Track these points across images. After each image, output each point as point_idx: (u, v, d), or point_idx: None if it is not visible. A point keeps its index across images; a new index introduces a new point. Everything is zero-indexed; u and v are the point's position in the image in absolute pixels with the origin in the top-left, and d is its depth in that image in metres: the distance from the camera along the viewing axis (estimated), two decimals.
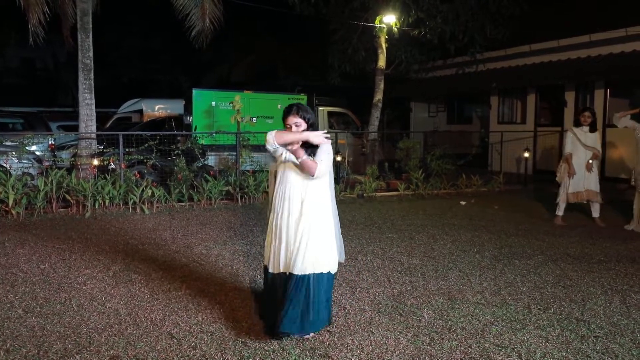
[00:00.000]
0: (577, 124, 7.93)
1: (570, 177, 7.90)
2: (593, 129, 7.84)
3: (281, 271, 3.69)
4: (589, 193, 7.89)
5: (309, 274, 3.61)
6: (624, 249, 6.43)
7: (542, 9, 14.24)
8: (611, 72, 12.12)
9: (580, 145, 7.83)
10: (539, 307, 4.39)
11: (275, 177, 3.83)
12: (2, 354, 3.46)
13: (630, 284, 5.04)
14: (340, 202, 9.91)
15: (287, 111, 3.68)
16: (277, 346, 3.58)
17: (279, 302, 3.64)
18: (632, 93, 12.59)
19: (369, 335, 3.77)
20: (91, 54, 9.88)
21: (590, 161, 7.81)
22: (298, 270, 3.59)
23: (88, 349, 3.54)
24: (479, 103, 18.05)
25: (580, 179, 7.87)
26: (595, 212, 8.01)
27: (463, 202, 9.93)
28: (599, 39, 12.67)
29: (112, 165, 9.70)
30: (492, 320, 4.09)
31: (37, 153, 10.97)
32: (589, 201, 8.01)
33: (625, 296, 4.68)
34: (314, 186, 3.69)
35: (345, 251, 6.10)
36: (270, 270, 3.76)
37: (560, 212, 8.08)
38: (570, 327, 3.96)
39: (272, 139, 3.56)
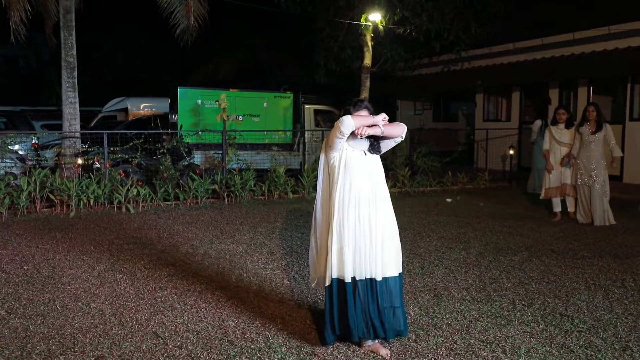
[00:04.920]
0: (554, 121, 8.18)
1: (549, 173, 8.15)
2: (568, 125, 8.02)
3: (367, 277, 3.40)
4: (565, 188, 8.06)
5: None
6: (607, 245, 6.51)
7: (526, 7, 14.34)
8: (594, 69, 12.25)
9: (556, 142, 8.10)
10: (523, 302, 4.43)
11: (334, 173, 3.49)
12: None
13: (613, 279, 5.10)
14: None
15: (358, 105, 3.53)
16: (264, 344, 3.58)
17: (365, 311, 3.40)
18: (614, 90, 12.74)
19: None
20: (74, 52, 9.78)
21: (565, 158, 8.02)
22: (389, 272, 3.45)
23: (72, 349, 3.51)
24: (464, 101, 18.13)
25: (557, 175, 8.12)
26: (570, 207, 8.17)
27: (449, 199, 9.99)
28: (582, 37, 12.80)
29: (97, 164, 9.61)
30: (477, 316, 4.12)
31: (20, 152, 10.84)
32: (565, 195, 8.17)
33: (608, 291, 4.74)
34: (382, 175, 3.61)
35: None
36: (357, 278, 3.39)
37: (556, 208, 8.23)
38: (554, 322, 4.00)
39: (351, 122, 3.31)
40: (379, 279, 3.39)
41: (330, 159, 3.51)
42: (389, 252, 3.44)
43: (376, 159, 3.57)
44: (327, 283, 3.43)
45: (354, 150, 3.48)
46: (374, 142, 3.53)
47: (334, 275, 3.39)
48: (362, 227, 3.39)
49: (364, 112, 3.47)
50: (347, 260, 3.36)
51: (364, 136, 3.38)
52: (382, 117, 3.41)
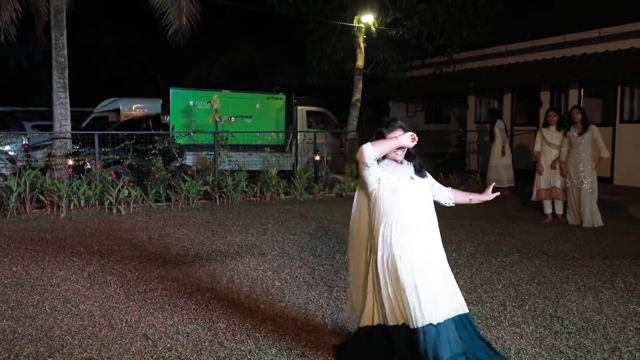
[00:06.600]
0: (545, 123, 8.22)
1: (539, 174, 8.18)
2: (559, 127, 8.07)
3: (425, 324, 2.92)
4: (554, 191, 8.10)
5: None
6: (597, 246, 6.54)
7: (517, 9, 14.41)
8: (585, 72, 12.33)
9: (547, 144, 8.14)
10: (513, 304, 4.44)
11: (377, 206, 3.10)
12: None
13: (602, 280, 5.13)
14: (320, 202, 9.92)
15: (392, 125, 3.17)
16: (254, 346, 3.57)
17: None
18: (605, 93, 12.82)
19: (347, 334, 3.78)
20: (65, 52, 9.72)
21: (556, 161, 8.06)
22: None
23: (61, 351, 3.48)
24: (456, 103, 18.20)
25: (547, 177, 8.16)
26: (559, 210, 8.21)
27: None
28: (573, 39, 12.87)
29: (88, 165, 9.56)
30: None
31: (11, 153, 10.78)
32: (554, 198, 8.21)
33: (598, 292, 4.76)
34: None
35: (323, 250, 6.15)
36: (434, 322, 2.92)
37: (547, 210, 8.27)
38: (544, 324, 4.01)
39: (373, 151, 2.97)
40: (453, 315, 3.00)
41: (371, 192, 3.12)
42: (453, 287, 3.11)
43: (424, 184, 3.22)
44: (363, 324, 3.14)
45: (400, 178, 3.11)
46: (418, 164, 3.24)
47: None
48: (421, 265, 2.99)
49: (399, 132, 3.10)
50: (424, 302, 2.93)
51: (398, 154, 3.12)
52: (408, 137, 3.01)
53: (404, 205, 3.05)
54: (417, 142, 3.16)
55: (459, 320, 3.02)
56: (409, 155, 3.23)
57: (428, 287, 2.95)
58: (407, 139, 3.00)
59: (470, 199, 3.52)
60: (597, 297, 4.64)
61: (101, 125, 14.19)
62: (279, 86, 15.23)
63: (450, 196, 3.46)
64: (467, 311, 3.10)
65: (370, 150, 2.96)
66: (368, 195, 3.16)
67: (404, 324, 2.97)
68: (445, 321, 2.94)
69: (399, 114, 19.04)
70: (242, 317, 4.08)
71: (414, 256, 2.99)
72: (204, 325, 3.93)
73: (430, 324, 2.89)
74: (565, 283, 5.02)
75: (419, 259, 3.00)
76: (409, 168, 3.20)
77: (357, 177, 3.23)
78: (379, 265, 3.03)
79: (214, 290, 4.71)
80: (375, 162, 3.03)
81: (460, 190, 3.68)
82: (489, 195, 3.50)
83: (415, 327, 2.91)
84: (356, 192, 3.31)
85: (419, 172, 3.23)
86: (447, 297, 3.02)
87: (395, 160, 3.16)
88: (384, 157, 3.14)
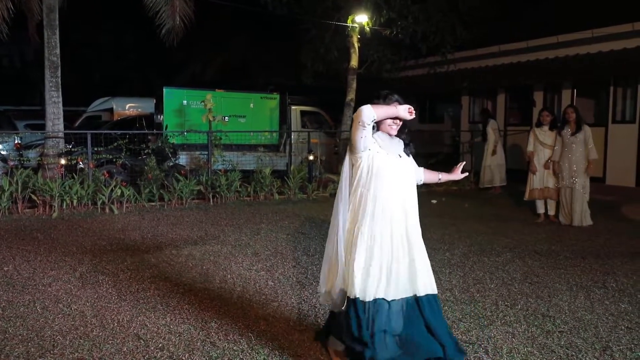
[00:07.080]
0: (538, 123, 8.26)
1: (533, 174, 8.23)
2: (552, 127, 8.12)
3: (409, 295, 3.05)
4: (547, 190, 8.14)
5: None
6: (589, 246, 6.57)
7: (511, 10, 14.46)
8: (578, 72, 12.37)
9: (539, 144, 8.17)
10: (506, 303, 4.46)
11: (360, 178, 3.07)
12: None
13: (594, 279, 5.15)
14: (313, 202, 9.92)
15: (388, 98, 3.09)
16: (246, 346, 3.56)
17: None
18: (597, 93, 12.87)
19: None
20: (58, 51, 9.67)
21: (548, 161, 8.10)
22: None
23: (52, 352, 3.46)
24: (450, 102, 18.22)
25: (540, 176, 8.20)
26: (551, 210, 8.26)
27: (434, 201, 10.03)
28: (566, 40, 12.92)
29: (81, 165, 9.51)
30: (461, 317, 4.13)
31: (3, 152, 10.72)
32: (547, 198, 8.25)
33: (590, 292, 4.78)
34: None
35: (317, 250, 6.14)
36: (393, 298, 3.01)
37: (540, 210, 8.31)
38: (536, 323, 4.03)
39: (373, 112, 2.90)
40: (420, 294, 3.07)
41: (357, 159, 3.06)
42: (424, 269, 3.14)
43: (410, 163, 3.21)
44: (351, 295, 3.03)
45: (389, 153, 3.07)
46: (409, 143, 3.21)
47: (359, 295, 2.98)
48: (394, 244, 3.03)
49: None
50: (377, 279, 2.99)
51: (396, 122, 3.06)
52: (406, 109, 2.97)
53: (386, 182, 3.02)
54: (413, 141, 3.16)
55: (416, 301, 3.06)
56: (401, 133, 3.19)
57: (387, 265, 3.00)
58: (405, 111, 2.97)
59: (439, 179, 3.52)
60: (589, 296, 4.66)
61: (94, 125, 14.14)
62: (273, 86, 15.21)
63: (421, 177, 3.42)
64: (434, 292, 3.14)
65: (370, 111, 2.90)
66: (354, 162, 3.10)
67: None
68: (398, 300, 3.00)
69: None
70: (235, 316, 4.08)
71: (384, 231, 3.01)
72: (197, 325, 3.92)
73: (382, 299, 2.97)
74: (558, 282, 5.04)
75: (388, 235, 3.01)
76: (399, 144, 3.16)
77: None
78: (353, 233, 3.06)
79: (206, 290, 4.70)
80: (371, 127, 2.96)
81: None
82: (457, 175, 3.52)
83: (362, 299, 2.97)
84: (346, 160, 3.16)
85: (407, 147, 3.21)
86: (407, 277, 3.06)
87: (389, 135, 3.12)
88: (378, 129, 3.10)
